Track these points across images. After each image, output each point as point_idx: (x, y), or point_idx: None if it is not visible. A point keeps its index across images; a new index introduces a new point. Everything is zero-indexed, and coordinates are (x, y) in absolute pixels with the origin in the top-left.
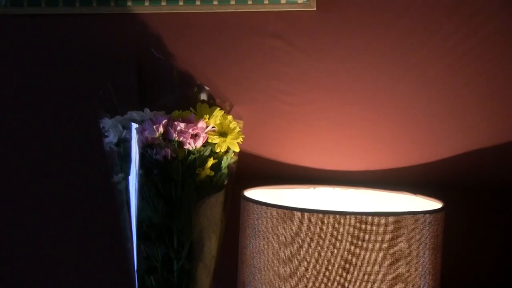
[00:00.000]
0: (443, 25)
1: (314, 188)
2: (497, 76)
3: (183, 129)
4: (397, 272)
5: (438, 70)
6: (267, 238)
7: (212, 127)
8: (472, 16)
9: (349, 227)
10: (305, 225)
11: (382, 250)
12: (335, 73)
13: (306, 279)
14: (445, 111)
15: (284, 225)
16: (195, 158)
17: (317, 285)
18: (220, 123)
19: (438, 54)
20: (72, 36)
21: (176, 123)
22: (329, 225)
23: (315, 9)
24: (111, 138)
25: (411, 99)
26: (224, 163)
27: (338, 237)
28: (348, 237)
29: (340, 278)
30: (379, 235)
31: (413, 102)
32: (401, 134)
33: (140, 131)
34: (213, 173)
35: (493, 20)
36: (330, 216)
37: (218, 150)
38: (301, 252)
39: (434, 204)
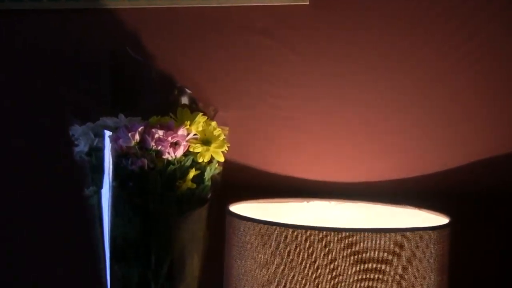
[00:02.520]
0: (452, 19)
1: (308, 202)
2: (505, 81)
3: (161, 137)
4: None
5: (442, 72)
6: (255, 257)
7: (194, 135)
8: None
9: (346, 246)
10: (297, 243)
11: (382, 271)
12: (331, 74)
13: None
14: (451, 116)
15: (274, 243)
16: (175, 169)
17: None
18: (203, 130)
19: (444, 53)
20: (38, 34)
21: (154, 130)
22: (323, 244)
23: (307, 3)
24: (82, 147)
25: (414, 103)
26: (207, 174)
27: (334, 257)
28: (345, 256)
29: None
30: (379, 254)
31: (416, 106)
32: (404, 142)
33: (114, 139)
34: (195, 185)
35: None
36: (325, 233)
37: (200, 160)
38: (292, 274)
39: (439, 219)
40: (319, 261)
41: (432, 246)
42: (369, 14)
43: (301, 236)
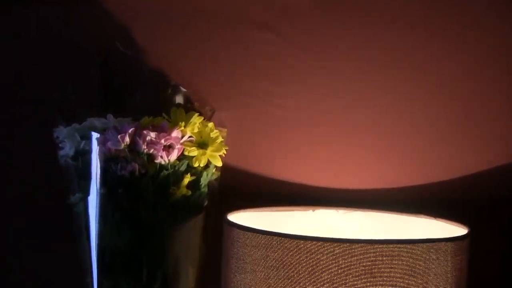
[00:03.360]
0: (473, 13)
1: (313, 211)
2: None
3: (154, 139)
4: None
5: (461, 72)
6: (255, 271)
7: (189, 137)
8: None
9: (355, 258)
10: (301, 255)
11: (394, 286)
12: (338, 72)
13: None
14: (469, 116)
15: (276, 255)
16: (168, 174)
17: None
18: (199, 132)
19: (464, 50)
20: (20, 28)
21: (145, 132)
22: (330, 256)
23: None
24: (67, 150)
25: (430, 105)
26: (204, 180)
27: (342, 270)
28: (354, 270)
29: None
30: (391, 267)
31: (432, 109)
32: (417, 146)
33: (102, 142)
34: (190, 192)
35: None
36: (332, 244)
37: (196, 165)
38: None
39: (457, 230)
40: (325, 275)
41: (449, 259)
42: (377, 5)
43: (306, 248)
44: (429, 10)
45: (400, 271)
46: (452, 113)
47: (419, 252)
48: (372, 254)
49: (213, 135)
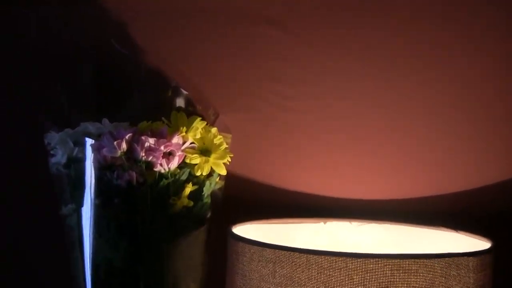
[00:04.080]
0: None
1: (325, 223)
2: None
3: (152, 145)
4: None
5: (483, 73)
6: None
7: (191, 143)
8: None
9: (370, 274)
10: (312, 271)
11: None
12: (352, 71)
13: None
14: (492, 124)
15: (285, 271)
16: (168, 183)
17: None
18: (202, 138)
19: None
20: (9, 26)
21: (143, 138)
22: (344, 272)
23: None
24: (59, 157)
25: (450, 108)
26: (207, 190)
27: (355, 287)
28: (368, 287)
29: None
30: (408, 284)
31: (452, 112)
32: (437, 153)
33: (96, 149)
34: (192, 203)
35: None
36: (345, 259)
37: (198, 173)
38: None
39: (480, 244)
40: None
41: (471, 275)
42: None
43: (318, 263)
44: (453, 9)
45: (418, 287)
46: (474, 120)
47: (438, 268)
48: (388, 270)
49: (216, 141)
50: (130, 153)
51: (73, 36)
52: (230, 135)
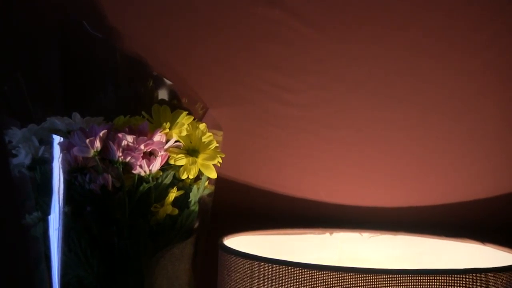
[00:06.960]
0: None
1: (331, 234)
2: None
3: (131, 144)
4: None
5: (502, 77)
6: None
7: (176, 142)
8: None
9: None
10: None
11: None
12: (361, 58)
13: None
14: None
15: None
16: (149, 188)
17: None
18: (188, 136)
19: None
20: None
21: (120, 135)
22: None
23: None
24: (22, 158)
25: (470, 111)
26: (194, 196)
27: None
28: None
29: None
30: None
31: (473, 115)
32: (459, 156)
33: (66, 148)
34: (177, 211)
35: None
36: (354, 275)
37: (184, 177)
38: None
39: (510, 257)
40: None
41: None
42: None
43: (323, 280)
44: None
45: None
46: (493, 124)
47: (462, 286)
48: (404, 287)
49: (205, 139)
50: (105, 153)
51: (36, 15)
52: (221, 132)
